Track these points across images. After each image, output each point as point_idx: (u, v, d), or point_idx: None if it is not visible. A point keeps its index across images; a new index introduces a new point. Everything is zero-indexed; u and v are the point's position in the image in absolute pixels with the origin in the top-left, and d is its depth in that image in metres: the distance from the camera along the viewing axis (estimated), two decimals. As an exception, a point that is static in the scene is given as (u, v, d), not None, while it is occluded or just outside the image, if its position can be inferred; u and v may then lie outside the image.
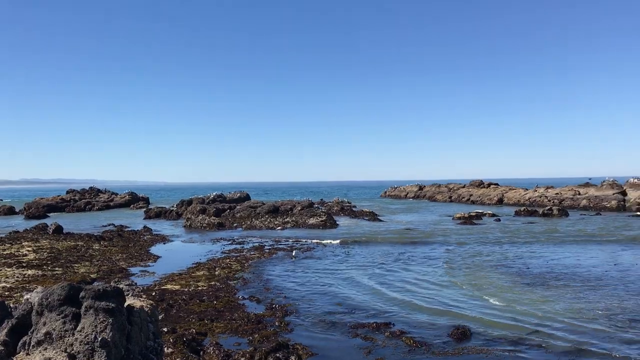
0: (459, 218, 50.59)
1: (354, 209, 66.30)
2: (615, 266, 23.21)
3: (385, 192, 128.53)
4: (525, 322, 14.15)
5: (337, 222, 46.86)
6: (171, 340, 11.83)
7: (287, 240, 34.26)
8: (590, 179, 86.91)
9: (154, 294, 17.64)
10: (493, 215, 54.02)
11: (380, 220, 51.10)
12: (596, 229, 39.87)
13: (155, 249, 30.76)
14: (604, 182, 73.26)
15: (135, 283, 19.54)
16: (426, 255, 27.44)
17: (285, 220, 46.79)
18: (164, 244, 33.97)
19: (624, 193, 68.78)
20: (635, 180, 72.62)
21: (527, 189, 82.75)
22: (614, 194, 68.25)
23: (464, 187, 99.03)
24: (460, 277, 20.97)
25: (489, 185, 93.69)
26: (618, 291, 18.03)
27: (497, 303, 16.48)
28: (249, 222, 46.85)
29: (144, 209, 68.21)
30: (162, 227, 46.43)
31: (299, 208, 50.47)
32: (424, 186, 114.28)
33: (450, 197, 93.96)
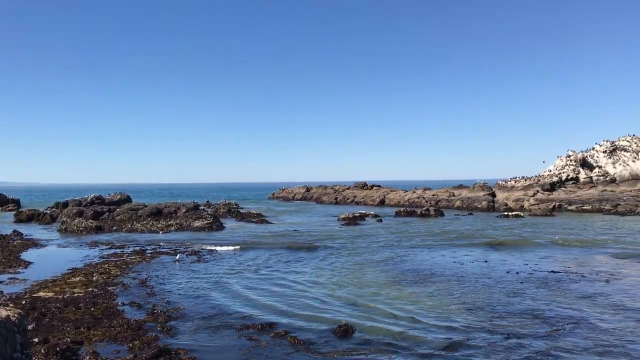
0: (344, 219, 52.19)
1: (241, 210, 65.92)
2: (486, 263, 25.24)
3: (274, 194, 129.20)
4: (402, 319, 15.00)
5: (224, 225, 46.34)
6: (42, 351, 11.11)
7: (170, 244, 33.33)
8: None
9: (24, 302, 16.43)
10: (375, 215, 56.36)
11: (268, 222, 51.29)
12: (468, 229, 43.02)
13: (26, 255, 28.53)
14: (475, 184, 79.21)
15: (1, 291, 18.07)
16: (310, 257, 28.01)
17: (169, 223, 45.42)
18: (37, 248, 31.62)
19: (493, 194, 74.87)
20: (503, 182, 79.36)
21: (406, 191, 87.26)
22: (484, 195, 74.06)
23: (348, 188, 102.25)
24: (341, 277, 21.70)
25: (372, 187, 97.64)
26: (486, 287, 19.66)
27: (377, 300, 17.30)
28: (129, 226, 44.90)
29: (14, 212, 63.05)
30: (34, 231, 43.09)
31: (184, 210, 49.18)
32: (311, 187, 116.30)
33: (336, 199, 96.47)
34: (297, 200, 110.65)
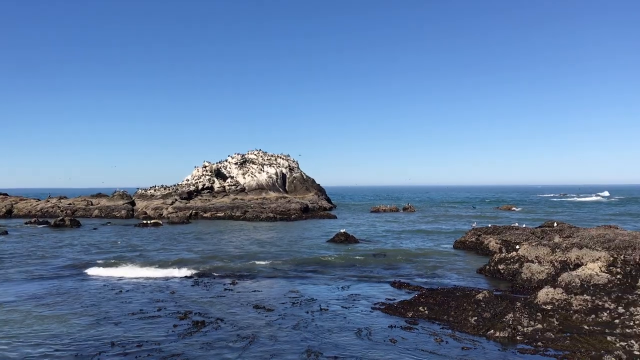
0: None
1: None
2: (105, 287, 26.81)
3: None
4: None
5: None
6: None
7: None
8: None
9: None
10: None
11: None
12: (96, 241, 43.61)
13: None
14: (115, 192, 79.27)
15: None
16: None
17: None
18: None
19: (133, 203, 76.19)
20: (142, 191, 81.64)
21: (39, 200, 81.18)
22: (124, 204, 74.69)
23: None
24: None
25: None
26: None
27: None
28: None
29: None
30: None
31: None
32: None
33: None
34: None
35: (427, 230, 50.35)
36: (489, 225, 39.42)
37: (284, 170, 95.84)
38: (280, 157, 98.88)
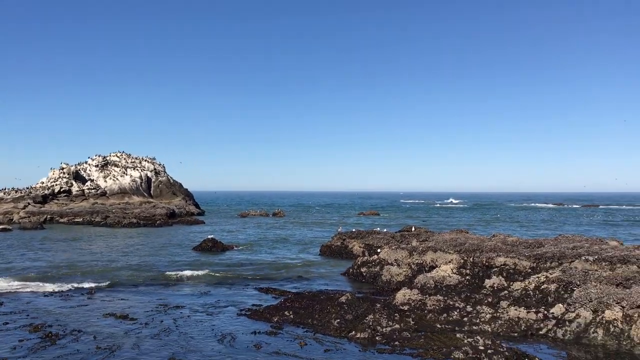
0: None
1: None
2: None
3: None
4: None
5: None
6: None
7: None
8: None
9: None
10: None
11: None
12: None
13: None
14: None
15: None
16: None
17: None
18: None
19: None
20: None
21: None
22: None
23: None
24: None
25: None
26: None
27: None
28: None
29: None
30: None
31: None
32: None
33: None
34: None
35: (295, 236, 51.01)
36: (354, 230, 40.82)
37: (149, 174, 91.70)
38: (145, 160, 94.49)
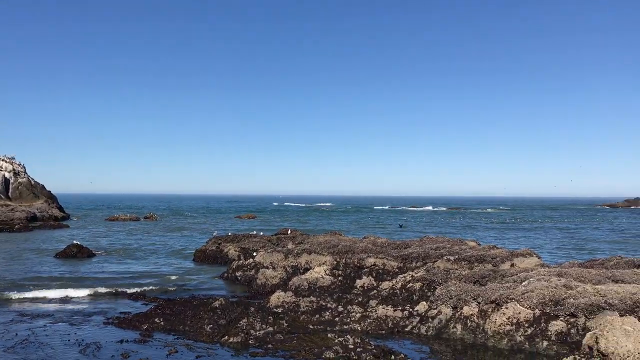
0: None
1: None
2: None
3: None
4: None
5: None
6: None
7: None
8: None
9: None
10: None
11: None
12: None
13: None
14: None
15: None
16: None
17: None
18: None
19: None
20: None
21: None
22: None
23: None
24: None
25: None
26: None
27: None
28: None
29: None
30: None
31: None
32: None
33: None
34: None
35: (168, 240, 49.31)
36: (229, 234, 40.28)
37: (8, 175, 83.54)
38: (3, 160, 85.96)
